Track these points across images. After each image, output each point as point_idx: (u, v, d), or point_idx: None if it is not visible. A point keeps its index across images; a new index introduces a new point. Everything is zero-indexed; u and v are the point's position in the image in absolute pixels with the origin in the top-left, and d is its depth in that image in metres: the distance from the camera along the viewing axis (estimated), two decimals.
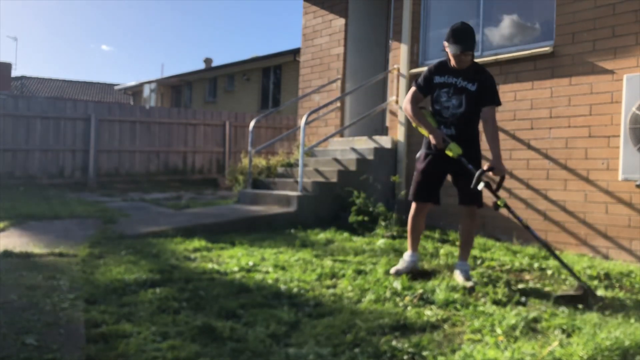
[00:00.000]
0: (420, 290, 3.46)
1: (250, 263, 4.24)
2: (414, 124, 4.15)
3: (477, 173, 3.70)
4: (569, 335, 2.78)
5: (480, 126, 3.98)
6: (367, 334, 2.73)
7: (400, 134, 7.16)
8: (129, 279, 3.61)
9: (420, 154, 4.11)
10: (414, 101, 4.05)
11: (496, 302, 3.35)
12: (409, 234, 4.17)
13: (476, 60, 3.77)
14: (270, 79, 19.48)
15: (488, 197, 3.92)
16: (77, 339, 2.59)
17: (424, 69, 4.17)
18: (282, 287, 3.56)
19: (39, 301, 3.10)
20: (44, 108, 11.44)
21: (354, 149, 7.42)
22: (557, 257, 3.71)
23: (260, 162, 8.19)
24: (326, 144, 8.13)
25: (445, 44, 3.88)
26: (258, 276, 3.86)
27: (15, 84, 30.48)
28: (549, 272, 4.22)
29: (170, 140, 12.81)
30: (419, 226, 4.14)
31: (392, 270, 4.01)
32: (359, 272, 4.02)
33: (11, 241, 4.86)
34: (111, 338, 2.58)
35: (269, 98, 19.35)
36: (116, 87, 30.39)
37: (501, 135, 5.89)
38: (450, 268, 4.13)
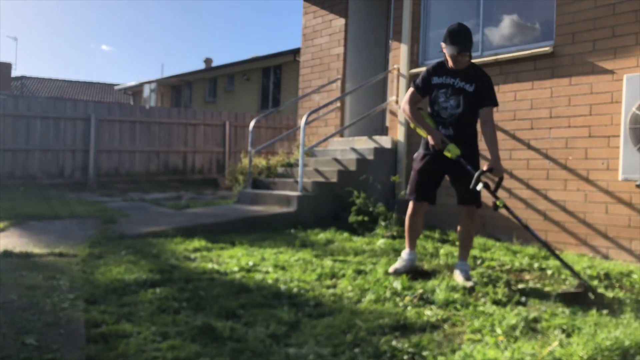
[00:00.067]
0: (420, 290, 3.47)
1: (250, 263, 4.24)
2: (412, 125, 4.15)
3: (477, 174, 3.70)
4: (569, 335, 2.78)
5: (479, 126, 3.99)
6: (367, 334, 2.73)
7: (400, 134, 7.16)
8: (129, 279, 3.61)
9: (418, 153, 4.12)
10: (413, 102, 4.06)
11: (496, 302, 3.35)
12: (406, 233, 4.19)
13: (476, 60, 3.80)
14: (270, 79, 19.48)
15: (488, 197, 3.92)
16: (77, 339, 2.59)
17: (424, 69, 4.18)
18: (282, 287, 3.56)
19: (39, 301, 3.10)
20: (44, 108, 11.43)
21: (354, 149, 7.42)
22: (557, 256, 3.72)
23: (260, 162, 8.19)
24: (326, 144, 8.13)
25: (443, 45, 3.90)
26: (258, 276, 3.86)
27: (15, 84, 30.49)
28: (549, 272, 4.22)
29: (170, 140, 12.81)
30: (417, 225, 4.17)
31: (391, 270, 4.02)
32: (359, 272, 4.02)
33: (11, 241, 4.86)
34: (111, 338, 2.58)
35: (269, 98, 19.35)
36: (116, 87, 30.39)
37: (501, 135, 5.91)
38: (450, 268, 4.13)
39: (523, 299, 3.44)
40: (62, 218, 6.40)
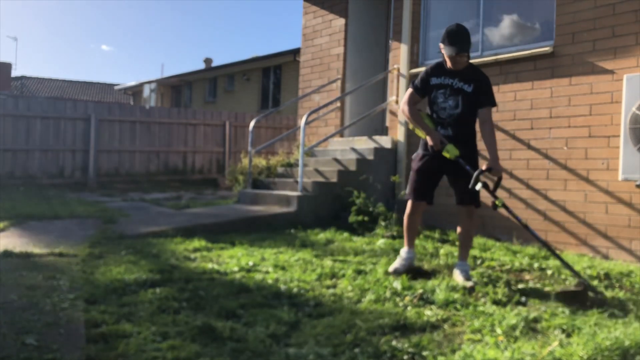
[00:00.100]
0: (420, 290, 3.47)
1: (250, 263, 4.24)
2: (410, 126, 4.17)
3: (475, 173, 3.72)
4: (569, 335, 2.78)
5: (478, 126, 4.00)
6: (367, 334, 2.73)
7: (400, 134, 7.16)
8: (129, 279, 3.61)
9: (417, 154, 4.15)
10: (411, 103, 4.09)
11: (496, 302, 3.35)
12: (405, 232, 4.22)
13: (477, 60, 3.81)
14: (270, 79, 19.48)
15: (487, 197, 3.93)
16: (77, 339, 2.59)
17: (424, 69, 4.19)
18: (282, 287, 3.56)
19: (39, 301, 3.10)
20: (44, 108, 11.44)
21: (354, 149, 7.42)
22: (556, 255, 3.72)
23: (260, 162, 8.19)
24: (326, 144, 8.13)
25: (441, 45, 3.93)
26: (258, 276, 3.86)
27: (15, 84, 30.49)
28: (549, 272, 4.22)
29: (170, 140, 12.81)
30: (415, 224, 4.20)
31: (391, 269, 4.04)
32: (359, 272, 4.02)
33: (11, 241, 4.86)
34: (111, 338, 2.58)
35: (269, 98, 19.35)
36: (116, 87, 30.39)
37: (501, 135, 5.92)
38: (450, 268, 4.14)
39: (523, 299, 3.44)
40: (62, 218, 6.40)
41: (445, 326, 2.92)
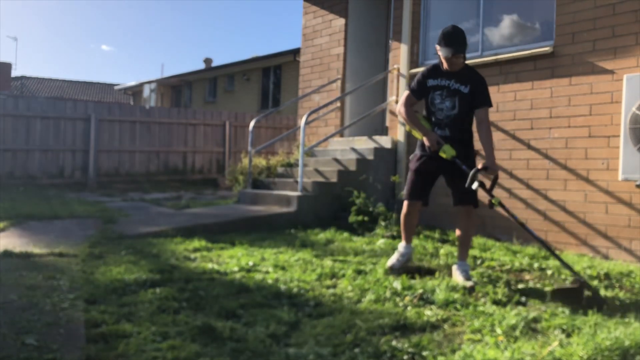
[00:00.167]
0: (420, 290, 3.47)
1: (250, 263, 4.24)
2: (407, 128, 4.19)
3: (472, 172, 3.75)
4: (569, 335, 2.78)
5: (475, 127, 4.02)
6: (367, 334, 2.73)
7: (400, 134, 7.16)
8: (129, 279, 3.61)
9: (415, 154, 4.20)
10: (408, 104, 4.12)
11: (496, 302, 3.36)
12: (402, 230, 4.27)
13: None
14: (270, 79, 19.48)
15: (485, 197, 3.93)
16: (77, 339, 2.59)
17: (421, 70, 4.21)
18: (282, 287, 3.56)
19: (39, 301, 3.10)
20: (44, 108, 11.43)
21: (354, 149, 7.42)
22: (555, 254, 3.72)
23: (260, 162, 8.19)
24: (326, 144, 8.13)
25: (437, 47, 3.96)
26: (258, 276, 3.86)
27: (15, 84, 30.49)
28: (549, 272, 4.22)
29: (170, 140, 12.81)
30: (412, 223, 4.24)
31: (389, 263, 4.10)
32: (359, 272, 4.02)
33: (11, 241, 4.86)
34: (111, 338, 2.58)
35: (269, 98, 19.35)
36: (116, 87, 30.39)
37: (501, 135, 5.92)
38: (450, 268, 4.14)
39: (523, 299, 3.45)
40: (62, 218, 6.40)
41: (445, 326, 2.92)
